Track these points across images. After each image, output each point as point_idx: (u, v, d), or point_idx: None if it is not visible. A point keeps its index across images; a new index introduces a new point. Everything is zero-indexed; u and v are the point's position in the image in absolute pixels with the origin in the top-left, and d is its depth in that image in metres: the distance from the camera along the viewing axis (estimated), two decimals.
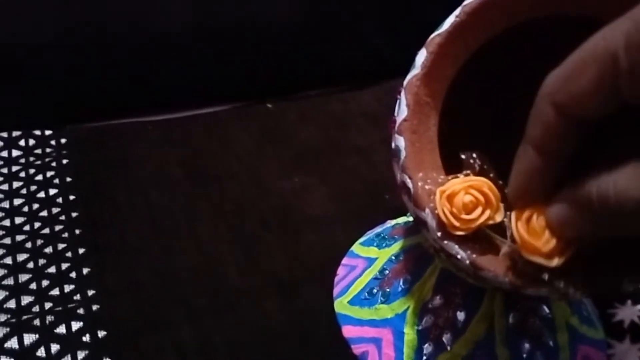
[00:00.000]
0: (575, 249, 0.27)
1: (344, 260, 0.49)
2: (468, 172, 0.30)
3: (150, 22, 0.64)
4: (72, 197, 0.54)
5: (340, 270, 0.48)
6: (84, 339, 0.42)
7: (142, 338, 0.43)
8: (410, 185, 0.32)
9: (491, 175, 0.30)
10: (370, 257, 0.47)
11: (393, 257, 0.45)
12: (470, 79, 0.33)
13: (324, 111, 0.69)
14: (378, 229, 0.51)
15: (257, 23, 0.68)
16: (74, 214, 0.52)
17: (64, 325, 0.42)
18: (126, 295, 0.46)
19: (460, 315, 0.39)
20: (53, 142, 0.60)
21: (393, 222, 0.51)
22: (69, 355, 0.40)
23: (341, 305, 0.45)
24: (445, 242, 0.31)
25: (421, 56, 0.32)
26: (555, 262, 0.27)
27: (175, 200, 0.55)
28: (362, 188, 0.59)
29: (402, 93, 0.32)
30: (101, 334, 0.42)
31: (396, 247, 0.45)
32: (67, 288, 0.46)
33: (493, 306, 0.39)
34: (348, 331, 0.43)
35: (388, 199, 0.57)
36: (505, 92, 0.36)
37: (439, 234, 0.31)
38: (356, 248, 0.50)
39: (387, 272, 0.44)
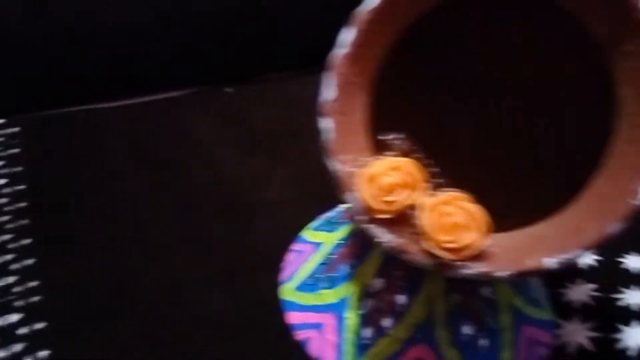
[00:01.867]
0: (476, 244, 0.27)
1: (294, 246, 0.49)
2: (392, 153, 0.30)
3: (104, 7, 0.63)
4: (21, 187, 0.53)
5: (289, 256, 0.48)
6: (21, 331, 0.41)
7: (83, 329, 0.42)
8: (335, 168, 0.31)
9: (416, 155, 0.30)
10: (318, 242, 0.47)
11: (339, 242, 0.44)
12: (402, 59, 0.33)
13: (284, 95, 0.68)
14: (329, 214, 0.50)
15: (215, 7, 0.67)
16: (21, 204, 0.51)
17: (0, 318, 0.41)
18: (69, 287, 0.45)
19: (402, 299, 0.39)
20: (4, 131, 0.59)
21: (344, 206, 0.50)
22: (3, 349, 0.40)
23: (287, 291, 0.45)
24: (369, 225, 0.30)
25: (348, 33, 0.31)
26: (457, 257, 0.27)
27: (125, 189, 0.54)
28: (320, 173, 0.57)
29: (329, 72, 0.31)
30: (40, 325, 0.42)
31: (343, 231, 0.45)
32: (10, 280, 0.45)
33: (434, 289, 0.39)
34: (292, 317, 0.43)
35: None
36: (437, 72, 0.35)
37: (362, 217, 0.30)
38: (306, 233, 0.49)
39: (332, 256, 0.43)
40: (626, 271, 0.50)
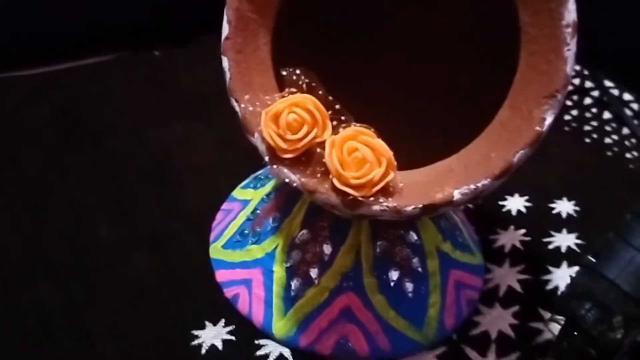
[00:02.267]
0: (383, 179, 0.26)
1: (223, 205, 0.47)
2: (293, 90, 0.29)
3: None
4: None
5: (218, 216, 0.47)
6: None
7: None
8: (237, 109, 0.30)
9: (320, 92, 0.29)
10: (245, 199, 0.45)
11: (265, 197, 0.43)
12: None
13: (215, 57, 0.65)
14: (260, 172, 0.49)
15: None
16: None
17: None
18: None
19: (327, 248, 0.38)
20: None
21: None
22: None
23: (215, 250, 0.44)
24: (275, 166, 0.29)
25: None
26: (364, 193, 0.26)
27: (45, 156, 0.51)
28: None
29: (225, 9, 0.29)
30: None
31: (269, 186, 0.44)
32: None
33: (360, 237, 0.38)
34: (220, 275, 0.42)
35: None
36: (344, 8, 0.34)
37: (267, 158, 0.29)
38: (236, 192, 0.48)
39: (258, 212, 0.42)
40: (557, 215, 0.50)
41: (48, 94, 0.58)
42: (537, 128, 0.27)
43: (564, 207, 0.51)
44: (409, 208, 0.28)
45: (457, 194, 0.28)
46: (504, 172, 0.27)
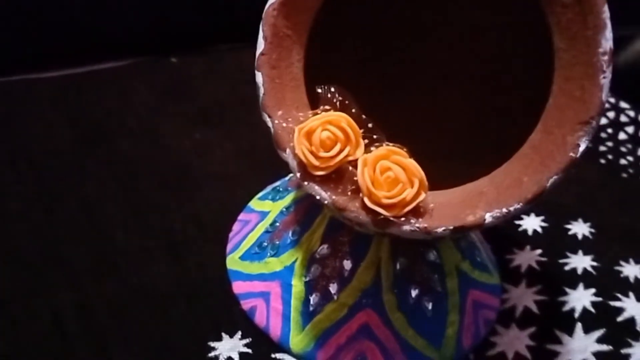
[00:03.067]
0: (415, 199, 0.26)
1: (240, 216, 0.47)
2: (327, 107, 0.29)
3: None
4: None
5: (235, 226, 0.46)
6: None
7: (15, 303, 0.40)
8: (270, 124, 0.30)
9: (353, 110, 0.29)
10: (263, 210, 0.45)
11: (284, 209, 0.43)
12: (337, 10, 0.31)
13: (233, 66, 0.66)
14: (277, 183, 0.49)
15: None
16: None
17: None
18: (1, 260, 0.43)
19: (347, 264, 0.38)
20: None
21: (291, 174, 0.49)
22: None
23: (232, 261, 0.43)
24: (306, 183, 0.29)
25: None
26: (395, 213, 0.26)
27: (62, 160, 0.51)
28: (267, 143, 0.56)
29: (260, 25, 0.29)
30: None
31: (288, 199, 0.44)
32: None
33: (380, 253, 0.38)
34: (238, 287, 0.42)
35: None
36: (375, 24, 0.34)
37: (299, 174, 0.29)
38: (253, 203, 0.48)
39: (277, 224, 0.42)
40: (573, 236, 0.50)
41: (66, 97, 0.58)
42: (572, 154, 0.27)
43: (580, 228, 0.51)
44: (440, 229, 0.28)
45: (488, 217, 0.28)
46: (536, 197, 0.27)
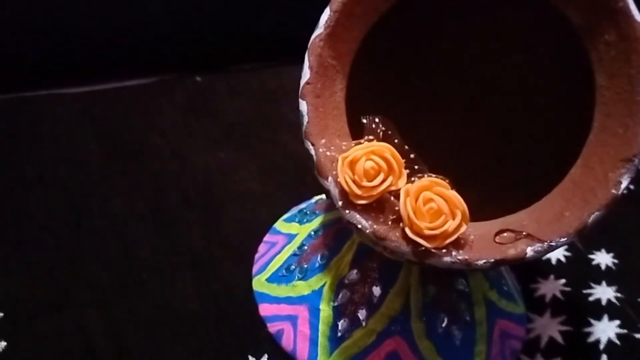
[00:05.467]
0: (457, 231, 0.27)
1: (266, 237, 0.47)
2: (371, 137, 0.29)
3: None
4: None
5: (261, 248, 0.47)
6: None
7: (42, 319, 0.40)
8: (312, 152, 0.30)
9: (395, 140, 0.29)
10: (290, 233, 0.45)
11: (312, 233, 0.43)
12: (381, 42, 0.32)
13: (256, 85, 0.66)
14: (302, 205, 0.49)
15: None
16: None
17: None
18: (29, 275, 0.43)
19: (376, 290, 0.38)
20: None
21: (317, 197, 0.49)
22: None
23: (259, 283, 0.43)
24: (347, 211, 0.29)
25: (325, 15, 0.30)
26: (436, 244, 0.26)
27: (88, 175, 0.52)
28: (291, 164, 0.57)
29: (306, 55, 0.30)
30: None
31: (316, 222, 0.44)
32: None
33: (409, 280, 0.38)
34: (264, 310, 0.42)
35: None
36: (417, 56, 0.35)
37: (340, 203, 0.29)
38: (279, 224, 0.48)
39: (305, 247, 0.42)
40: (596, 267, 0.50)
41: (91, 113, 0.59)
42: (613, 191, 0.27)
43: (603, 259, 0.51)
44: (481, 262, 0.28)
45: (529, 251, 0.28)
46: (578, 232, 0.28)
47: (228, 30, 0.69)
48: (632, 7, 0.28)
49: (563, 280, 0.48)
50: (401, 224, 0.29)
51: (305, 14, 0.72)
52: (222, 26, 0.68)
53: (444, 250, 0.28)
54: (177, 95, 0.63)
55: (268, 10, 0.70)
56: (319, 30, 0.30)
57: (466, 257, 0.28)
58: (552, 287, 0.48)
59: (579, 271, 0.49)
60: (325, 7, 0.29)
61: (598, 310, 0.46)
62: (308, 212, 0.46)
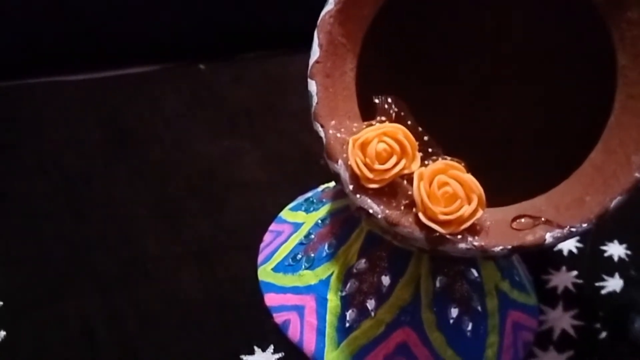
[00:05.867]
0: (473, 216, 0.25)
1: (271, 226, 0.46)
2: (383, 118, 0.28)
3: None
4: None
5: (267, 237, 0.46)
6: None
7: (43, 308, 0.39)
8: (322, 134, 0.29)
9: (409, 122, 0.28)
10: (297, 222, 0.44)
11: (319, 221, 0.42)
12: (392, 21, 0.31)
13: (260, 74, 0.65)
14: (309, 194, 0.48)
15: None
16: None
17: None
18: (30, 264, 0.42)
19: (385, 280, 0.37)
20: None
21: (324, 186, 0.48)
22: None
23: (264, 273, 0.42)
24: (358, 195, 0.28)
25: None
26: (451, 230, 0.25)
27: (91, 163, 0.51)
28: (296, 153, 0.56)
29: (315, 32, 0.29)
30: None
31: (323, 210, 0.43)
32: None
33: (419, 270, 0.37)
34: (270, 299, 0.41)
35: (322, 164, 0.54)
36: (430, 35, 0.33)
37: (351, 187, 0.28)
38: (284, 213, 0.47)
39: (312, 236, 0.41)
40: (609, 258, 0.49)
41: (94, 101, 0.58)
42: (637, 174, 0.26)
43: (616, 250, 0.50)
44: (498, 248, 0.27)
45: (549, 237, 0.27)
46: (599, 218, 0.26)
47: (232, 18, 0.68)
48: None
49: (575, 272, 0.47)
50: (414, 209, 0.27)
51: (310, 2, 0.71)
52: (226, 14, 0.67)
53: (459, 237, 0.27)
54: (181, 83, 0.62)
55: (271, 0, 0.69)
56: (329, 6, 0.29)
57: (482, 243, 0.27)
58: (564, 279, 0.47)
59: (591, 263, 0.48)
60: None
61: (610, 303, 0.45)
62: (314, 201, 0.45)
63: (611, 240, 0.50)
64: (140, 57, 0.64)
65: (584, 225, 0.26)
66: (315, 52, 0.28)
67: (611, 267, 0.48)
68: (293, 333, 0.39)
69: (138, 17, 0.63)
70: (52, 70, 0.60)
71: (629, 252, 0.49)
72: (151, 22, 0.64)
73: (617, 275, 0.47)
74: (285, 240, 0.43)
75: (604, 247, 0.50)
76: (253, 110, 0.60)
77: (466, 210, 0.26)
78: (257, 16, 0.69)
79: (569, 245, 0.49)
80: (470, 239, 0.27)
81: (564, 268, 0.48)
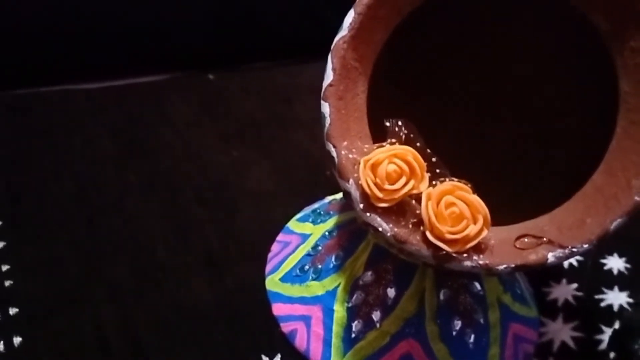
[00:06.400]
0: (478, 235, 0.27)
1: (279, 237, 0.48)
2: (393, 140, 0.29)
3: None
4: None
5: (274, 247, 0.47)
6: None
7: (58, 316, 0.40)
8: (334, 154, 0.30)
9: (418, 144, 0.29)
10: (304, 233, 0.45)
11: (327, 233, 0.43)
12: (404, 45, 0.32)
13: (268, 84, 0.66)
14: (315, 205, 0.49)
15: None
16: None
17: None
18: (43, 271, 0.43)
19: (391, 292, 0.38)
20: None
21: (330, 197, 0.50)
22: None
23: (272, 283, 0.44)
24: (368, 214, 0.29)
25: (349, 17, 0.30)
26: (457, 249, 0.26)
27: (103, 172, 0.52)
28: (304, 164, 0.57)
29: (329, 57, 0.30)
30: (13, 311, 0.40)
31: (331, 222, 0.44)
32: None
33: (424, 283, 0.38)
34: (278, 309, 0.42)
35: (329, 175, 0.55)
36: (440, 60, 0.35)
37: (361, 205, 0.29)
38: (292, 224, 0.48)
39: (320, 248, 0.42)
40: (609, 272, 0.50)
41: (105, 109, 0.59)
42: (637, 198, 0.27)
43: (615, 263, 0.51)
44: (501, 267, 0.28)
45: (551, 257, 0.28)
46: (600, 239, 0.28)
47: (241, 29, 0.69)
48: None
49: (575, 285, 0.48)
50: (422, 228, 0.29)
51: (318, 13, 0.73)
52: (236, 25, 0.68)
53: (464, 255, 0.28)
54: (190, 93, 0.63)
55: (281, 9, 0.70)
56: (343, 32, 0.30)
57: (487, 262, 0.28)
58: (564, 292, 0.48)
59: (591, 276, 0.49)
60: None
61: (610, 316, 0.46)
62: (322, 213, 0.46)
63: (611, 254, 0.52)
64: (151, 66, 0.65)
65: (585, 245, 0.27)
66: (329, 76, 0.30)
67: (610, 280, 0.49)
68: (300, 343, 0.40)
69: (148, 27, 0.64)
70: (64, 79, 0.61)
71: (628, 266, 0.51)
72: (161, 32, 0.65)
73: (616, 288, 0.49)
74: (293, 251, 0.44)
75: (604, 261, 0.51)
76: (261, 121, 0.61)
77: (472, 230, 0.28)
78: (266, 27, 0.70)
79: (570, 259, 0.51)
80: (475, 257, 0.28)
81: (564, 281, 0.49)
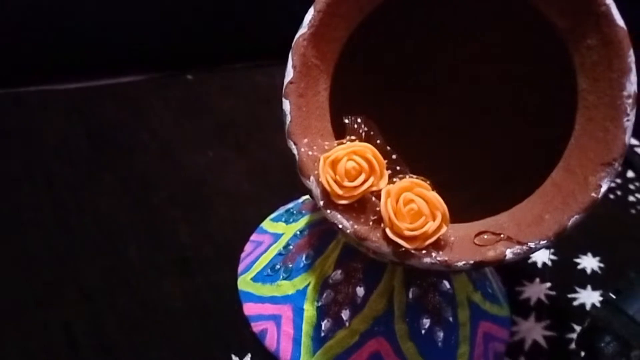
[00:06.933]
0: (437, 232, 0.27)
1: (252, 237, 0.47)
2: (353, 137, 0.29)
3: None
4: None
5: (247, 247, 0.47)
6: None
7: (26, 315, 0.40)
8: (295, 151, 0.30)
9: (377, 141, 0.29)
10: (277, 232, 0.45)
11: (298, 233, 0.43)
12: (365, 42, 0.32)
13: (247, 84, 0.66)
14: (290, 205, 0.49)
15: None
16: None
17: None
18: (13, 270, 0.43)
19: (360, 291, 0.38)
20: None
21: (304, 197, 0.50)
22: None
23: (244, 283, 0.43)
24: (329, 211, 0.29)
25: (309, 15, 0.30)
26: (416, 245, 0.26)
27: (77, 172, 0.51)
28: (280, 164, 0.57)
29: (290, 54, 0.30)
30: None
31: (302, 222, 0.44)
32: None
33: (393, 281, 0.38)
34: (249, 309, 0.42)
35: None
36: (401, 58, 0.35)
37: (322, 202, 0.29)
38: (265, 224, 0.48)
39: (291, 247, 0.42)
40: (582, 271, 0.50)
41: (81, 110, 0.59)
42: (593, 195, 0.27)
43: (589, 262, 0.51)
44: (460, 263, 0.28)
45: (509, 253, 0.28)
46: (557, 235, 0.28)
47: (219, 29, 0.69)
48: (614, 11, 0.28)
49: (548, 284, 0.49)
50: (382, 225, 0.29)
51: (297, 13, 0.72)
52: (214, 25, 0.68)
53: (424, 251, 0.28)
54: (167, 93, 0.63)
55: (259, 9, 0.70)
56: (303, 29, 0.30)
57: (446, 258, 0.28)
58: (537, 291, 0.48)
59: (564, 275, 0.50)
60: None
61: (582, 315, 0.46)
62: (295, 212, 0.46)
63: (585, 253, 0.52)
64: (128, 66, 0.65)
65: (542, 242, 0.28)
66: (290, 73, 0.30)
67: (584, 279, 0.49)
68: (270, 342, 0.40)
69: (126, 27, 0.64)
70: (40, 80, 0.61)
71: (601, 265, 0.51)
72: (139, 32, 0.65)
73: (589, 287, 0.49)
74: (265, 251, 0.44)
75: (577, 260, 0.51)
76: (239, 121, 0.61)
77: (430, 226, 0.28)
78: (245, 27, 0.70)
79: (543, 258, 0.51)
80: (434, 253, 0.28)
81: (537, 280, 0.49)
